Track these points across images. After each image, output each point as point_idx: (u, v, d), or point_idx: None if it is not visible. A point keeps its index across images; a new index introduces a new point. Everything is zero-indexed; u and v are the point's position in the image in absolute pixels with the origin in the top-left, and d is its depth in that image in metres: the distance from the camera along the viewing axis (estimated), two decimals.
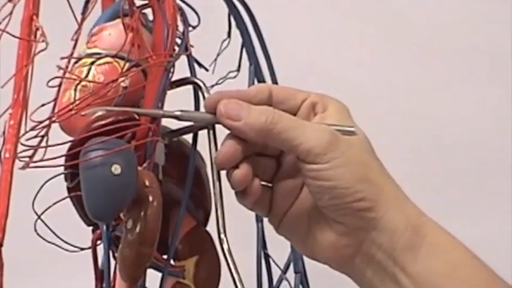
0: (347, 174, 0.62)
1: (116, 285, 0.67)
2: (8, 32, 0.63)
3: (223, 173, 0.68)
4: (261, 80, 0.83)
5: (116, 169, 0.61)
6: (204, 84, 0.71)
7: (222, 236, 0.67)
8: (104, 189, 0.61)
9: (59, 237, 0.68)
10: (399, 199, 0.64)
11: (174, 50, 0.70)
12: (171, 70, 0.69)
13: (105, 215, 0.62)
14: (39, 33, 0.60)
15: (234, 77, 0.81)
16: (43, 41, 0.59)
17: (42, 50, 0.59)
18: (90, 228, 0.72)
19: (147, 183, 0.64)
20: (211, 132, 0.68)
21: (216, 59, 0.79)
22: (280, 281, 0.81)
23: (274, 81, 0.84)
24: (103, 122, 0.65)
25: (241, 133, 0.63)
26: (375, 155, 0.65)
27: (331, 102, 0.66)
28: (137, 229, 0.63)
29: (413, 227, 0.63)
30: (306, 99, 0.66)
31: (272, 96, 0.65)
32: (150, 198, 0.63)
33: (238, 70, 0.82)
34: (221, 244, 0.66)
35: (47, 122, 0.64)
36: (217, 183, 0.68)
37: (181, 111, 0.65)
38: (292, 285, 0.80)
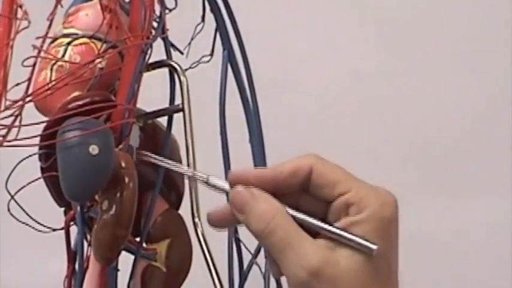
0: None
1: (89, 267, 0.67)
2: None
3: (198, 156, 0.68)
4: (234, 66, 0.83)
5: (94, 149, 0.61)
6: (180, 67, 0.71)
7: (196, 220, 0.67)
8: (81, 169, 0.61)
9: (32, 217, 0.68)
10: None
11: (151, 32, 0.70)
12: (148, 52, 0.69)
13: (82, 195, 0.62)
14: (21, 10, 0.59)
15: (208, 61, 0.81)
16: (25, 19, 0.59)
17: (25, 28, 0.58)
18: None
19: (123, 164, 0.64)
20: (186, 115, 0.68)
21: (190, 43, 0.79)
22: (250, 265, 0.81)
23: (247, 67, 0.85)
24: (80, 103, 0.65)
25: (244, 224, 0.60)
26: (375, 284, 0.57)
27: (370, 206, 0.57)
28: (113, 210, 0.63)
29: None
30: (344, 195, 0.57)
31: (311, 177, 0.58)
32: (126, 180, 0.63)
33: (211, 54, 0.82)
34: (195, 228, 0.67)
35: (22, 102, 0.64)
36: (191, 165, 0.68)
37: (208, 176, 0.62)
38: (263, 270, 0.81)
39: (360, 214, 0.56)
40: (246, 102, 0.84)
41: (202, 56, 0.81)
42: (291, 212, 0.57)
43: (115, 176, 0.63)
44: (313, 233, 0.57)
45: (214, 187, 0.61)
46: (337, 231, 0.56)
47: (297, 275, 0.55)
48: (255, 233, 0.58)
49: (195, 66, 0.81)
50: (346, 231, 0.56)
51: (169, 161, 0.65)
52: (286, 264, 0.56)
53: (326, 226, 0.57)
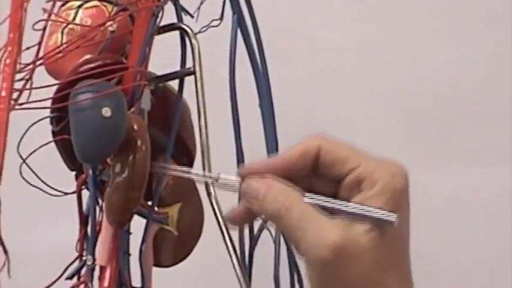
0: None
1: (101, 230, 0.67)
2: None
3: (209, 119, 0.68)
4: (244, 30, 0.82)
5: (106, 112, 0.61)
6: (191, 30, 0.71)
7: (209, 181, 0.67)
8: (94, 131, 0.61)
9: (43, 181, 0.68)
10: None
11: None
12: (159, 15, 0.69)
13: (95, 157, 0.62)
14: None
15: (217, 25, 0.81)
16: None
17: None
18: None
19: (135, 127, 0.64)
20: (198, 77, 0.68)
21: (199, 7, 0.79)
22: (261, 230, 0.81)
23: (256, 31, 0.84)
24: (91, 65, 0.64)
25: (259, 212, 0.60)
26: (384, 267, 0.56)
27: (382, 178, 0.57)
28: (125, 173, 0.63)
29: None
30: (354, 170, 0.58)
31: (319, 157, 0.58)
32: (139, 143, 0.63)
33: (221, 19, 0.81)
34: (208, 191, 0.67)
35: (33, 65, 0.64)
36: (203, 130, 0.68)
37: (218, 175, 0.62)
38: (273, 234, 0.81)
39: (373, 188, 0.56)
40: (256, 66, 0.83)
41: (212, 20, 0.81)
42: (308, 195, 0.57)
43: (127, 139, 0.63)
44: (328, 214, 0.57)
45: (225, 185, 0.61)
46: (356, 207, 0.56)
47: (317, 253, 0.55)
48: (271, 216, 0.58)
49: (205, 30, 0.80)
50: (365, 207, 0.56)
51: (182, 168, 0.65)
52: (305, 243, 0.56)
53: (345, 204, 0.57)
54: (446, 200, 1.06)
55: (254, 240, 0.81)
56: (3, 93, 0.54)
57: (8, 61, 0.56)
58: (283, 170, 0.59)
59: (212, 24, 0.81)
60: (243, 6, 0.83)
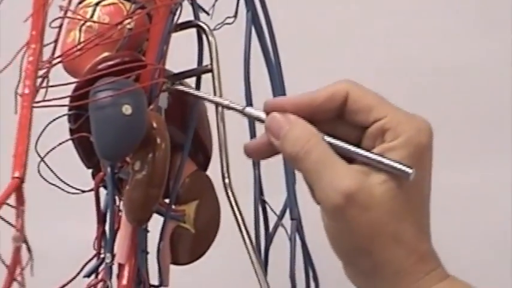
0: (348, 240, 0.57)
1: (120, 228, 0.67)
2: None
3: (227, 116, 0.68)
4: (258, 27, 0.82)
5: (127, 109, 0.60)
6: (208, 27, 0.71)
7: (227, 180, 0.67)
8: (115, 129, 0.61)
9: (61, 179, 0.68)
10: (400, 273, 0.57)
11: None
12: (176, 13, 0.69)
13: (116, 155, 0.62)
14: None
15: (231, 22, 0.81)
16: None
17: None
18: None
19: (154, 125, 0.64)
20: (215, 75, 0.68)
21: (214, 5, 0.78)
22: (276, 227, 0.81)
23: (270, 29, 0.84)
24: (110, 63, 0.64)
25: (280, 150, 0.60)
26: (400, 217, 0.56)
27: (406, 132, 0.56)
28: (145, 171, 0.63)
29: None
30: (379, 120, 0.57)
31: (346, 103, 0.58)
32: (158, 140, 0.63)
33: (235, 16, 0.81)
34: (226, 189, 0.66)
35: (50, 63, 0.63)
36: (221, 128, 0.68)
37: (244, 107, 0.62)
38: (288, 231, 0.81)
39: (396, 140, 0.56)
40: (270, 63, 0.83)
41: (226, 17, 0.80)
42: (328, 139, 0.58)
43: (146, 137, 0.63)
44: (348, 160, 0.57)
45: (250, 116, 0.61)
46: (374, 156, 0.56)
47: (330, 198, 0.55)
48: (290, 157, 0.58)
49: (219, 27, 0.80)
50: (382, 156, 0.56)
51: (203, 92, 0.66)
52: (320, 187, 0.56)
53: (362, 151, 0.57)
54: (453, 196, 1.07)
55: (269, 238, 0.81)
56: (27, 91, 0.54)
57: (30, 59, 0.55)
58: (309, 110, 0.59)
59: (226, 21, 0.81)
60: (256, 3, 0.83)
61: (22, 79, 0.58)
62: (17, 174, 0.53)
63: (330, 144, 0.57)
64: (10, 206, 0.52)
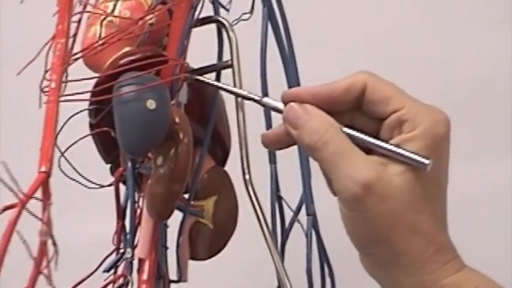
0: (366, 230, 0.57)
1: (141, 223, 0.67)
2: None
3: (247, 112, 0.68)
4: (274, 23, 0.82)
5: (151, 104, 0.60)
6: (228, 22, 0.70)
7: (247, 176, 0.66)
8: (139, 124, 0.61)
9: (80, 174, 0.68)
10: (418, 264, 0.57)
11: None
12: (197, 8, 0.69)
13: (140, 149, 0.62)
14: None
15: (247, 18, 0.80)
16: None
17: None
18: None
19: (177, 120, 0.64)
20: (236, 71, 0.68)
21: (231, 0, 0.78)
22: (292, 223, 0.81)
23: (285, 25, 0.84)
24: (132, 58, 0.64)
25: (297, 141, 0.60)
26: (418, 207, 0.57)
27: (423, 123, 0.57)
28: (168, 166, 0.63)
29: None
30: (397, 111, 0.57)
31: (364, 94, 0.58)
32: (181, 135, 0.63)
33: (251, 12, 0.81)
34: (246, 185, 0.66)
35: (76, 56, 0.63)
36: (241, 124, 0.68)
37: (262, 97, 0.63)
38: (305, 227, 0.81)
39: (414, 131, 0.57)
40: (285, 58, 0.83)
41: (243, 14, 0.80)
42: (346, 130, 0.58)
43: (169, 132, 0.63)
44: (366, 151, 0.58)
45: (268, 106, 0.62)
46: (391, 147, 0.57)
47: (348, 188, 0.56)
48: (308, 147, 0.59)
49: (236, 23, 0.80)
50: (400, 148, 0.56)
51: (222, 83, 0.67)
52: (338, 177, 0.57)
53: (380, 142, 0.57)
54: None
55: (286, 233, 0.81)
56: (53, 85, 0.54)
57: (57, 53, 0.55)
58: (327, 100, 0.59)
59: (243, 17, 0.81)
60: None
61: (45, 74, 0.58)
62: (43, 169, 0.53)
63: (348, 135, 0.58)
64: (37, 199, 0.52)
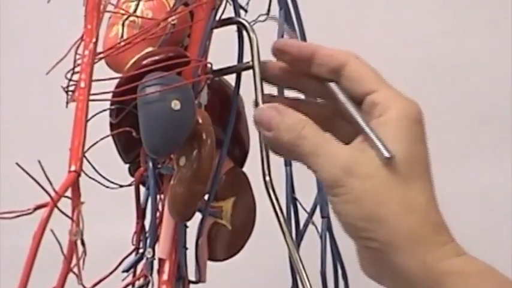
0: (355, 210, 0.57)
1: (163, 224, 0.67)
2: None
3: None
4: (290, 25, 0.82)
5: (176, 105, 0.61)
6: (249, 24, 0.71)
7: (267, 178, 0.66)
8: (164, 124, 0.61)
9: (100, 174, 0.68)
10: (417, 242, 0.56)
11: None
12: (219, 9, 0.69)
13: (164, 150, 0.62)
14: None
15: (264, 20, 0.81)
16: None
17: None
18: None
19: (200, 120, 0.64)
20: (256, 72, 0.68)
21: (248, 2, 0.78)
22: (306, 224, 0.81)
23: (301, 28, 0.84)
24: (155, 58, 0.64)
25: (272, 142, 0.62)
26: (405, 185, 0.57)
27: (394, 107, 0.59)
28: (190, 166, 0.63)
29: (429, 279, 0.56)
30: (370, 94, 0.60)
31: (344, 69, 0.62)
32: (204, 136, 0.63)
33: (267, 14, 0.81)
34: (266, 187, 0.66)
35: (99, 56, 0.63)
36: None
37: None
38: (319, 229, 0.81)
39: (385, 114, 0.59)
40: None
41: (259, 15, 0.80)
42: (332, 84, 0.63)
43: (192, 132, 0.63)
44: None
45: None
46: (365, 127, 0.59)
47: (330, 173, 0.58)
48: (286, 145, 0.61)
49: (252, 25, 0.80)
50: (373, 133, 0.58)
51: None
52: (320, 166, 0.59)
53: (357, 115, 0.60)
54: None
55: (300, 235, 0.82)
56: (82, 84, 0.54)
57: (86, 52, 0.55)
58: (307, 57, 0.64)
59: (259, 19, 0.81)
60: (289, 1, 0.83)
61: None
62: (73, 168, 0.53)
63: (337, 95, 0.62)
64: (68, 197, 0.52)
